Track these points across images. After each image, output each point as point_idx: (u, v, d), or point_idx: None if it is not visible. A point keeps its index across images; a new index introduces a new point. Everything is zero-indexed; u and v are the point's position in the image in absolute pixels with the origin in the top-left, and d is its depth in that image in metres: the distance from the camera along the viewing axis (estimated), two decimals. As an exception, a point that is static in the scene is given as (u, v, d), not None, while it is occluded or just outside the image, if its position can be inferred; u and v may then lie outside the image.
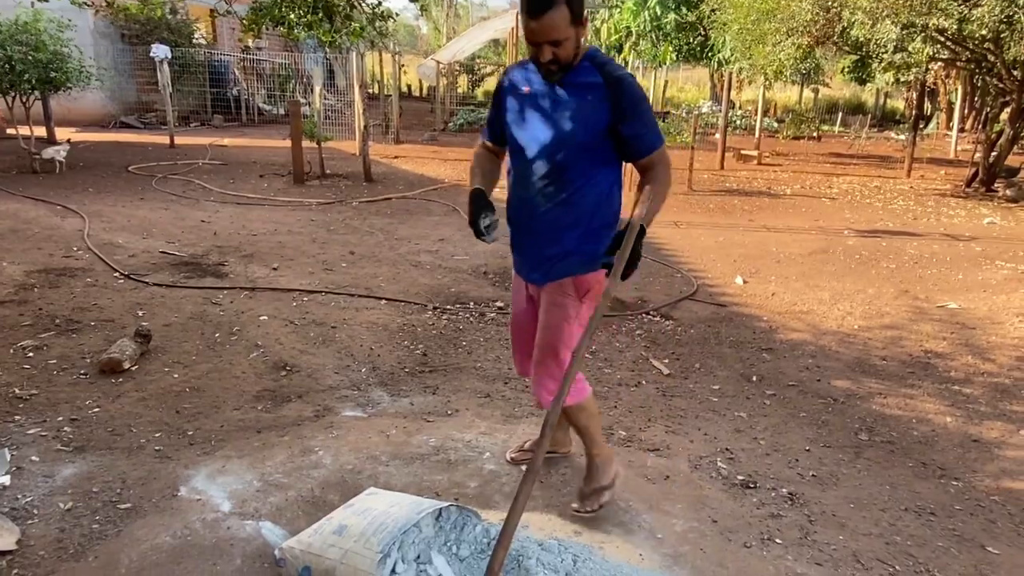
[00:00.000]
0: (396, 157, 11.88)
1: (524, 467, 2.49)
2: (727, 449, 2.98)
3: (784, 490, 2.68)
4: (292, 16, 10.41)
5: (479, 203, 2.21)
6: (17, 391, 3.18)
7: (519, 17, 2.09)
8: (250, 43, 17.89)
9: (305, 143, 9.21)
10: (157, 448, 2.77)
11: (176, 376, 3.44)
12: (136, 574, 2.06)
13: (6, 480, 2.48)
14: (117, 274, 4.96)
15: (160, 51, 11.59)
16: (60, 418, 2.97)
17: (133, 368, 3.47)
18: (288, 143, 9.41)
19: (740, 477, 2.76)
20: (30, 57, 8.61)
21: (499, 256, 5.83)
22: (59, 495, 2.44)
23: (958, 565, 2.30)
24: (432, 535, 2.04)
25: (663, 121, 13.47)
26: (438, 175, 10.27)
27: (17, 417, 2.95)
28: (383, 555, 1.86)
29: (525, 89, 2.19)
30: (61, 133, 11.14)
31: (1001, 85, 10.56)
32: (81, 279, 4.82)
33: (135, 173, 9.26)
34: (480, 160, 2.39)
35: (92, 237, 5.88)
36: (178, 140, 12.01)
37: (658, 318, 4.67)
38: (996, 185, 10.80)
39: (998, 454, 3.08)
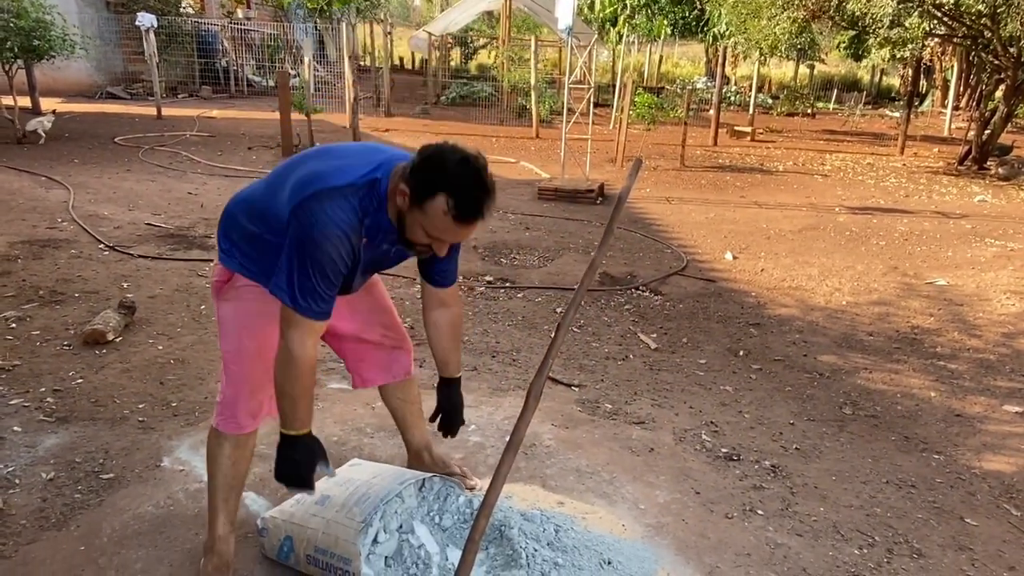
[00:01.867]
0: (387, 130, 11.75)
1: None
2: (712, 422, 2.99)
3: (767, 463, 2.69)
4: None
5: (320, 454, 1.80)
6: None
7: (445, 219, 1.59)
8: (239, 13, 17.59)
9: (294, 115, 9.08)
10: (141, 419, 2.76)
11: (160, 348, 3.41)
12: (118, 543, 2.06)
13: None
14: (102, 246, 4.91)
15: (146, 20, 11.37)
16: (43, 389, 2.95)
17: (117, 340, 3.44)
18: (277, 115, 9.29)
19: (724, 450, 2.77)
20: (12, 24, 8.43)
21: (488, 231, 5.79)
22: (41, 465, 2.43)
23: (937, 536, 2.32)
24: (415, 505, 2.04)
25: (657, 96, 13.37)
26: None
27: (-1, 388, 2.93)
28: (365, 525, 1.86)
29: (384, 247, 1.84)
30: (46, 103, 10.95)
31: (997, 62, 10.50)
32: (65, 250, 4.76)
33: (121, 144, 9.13)
34: (311, 374, 1.73)
35: (77, 209, 5.81)
36: (165, 111, 11.83)
37: (647, 293, 4.66)
38: (988, 163, 10.79)
39: (980, 428, 3.11)
